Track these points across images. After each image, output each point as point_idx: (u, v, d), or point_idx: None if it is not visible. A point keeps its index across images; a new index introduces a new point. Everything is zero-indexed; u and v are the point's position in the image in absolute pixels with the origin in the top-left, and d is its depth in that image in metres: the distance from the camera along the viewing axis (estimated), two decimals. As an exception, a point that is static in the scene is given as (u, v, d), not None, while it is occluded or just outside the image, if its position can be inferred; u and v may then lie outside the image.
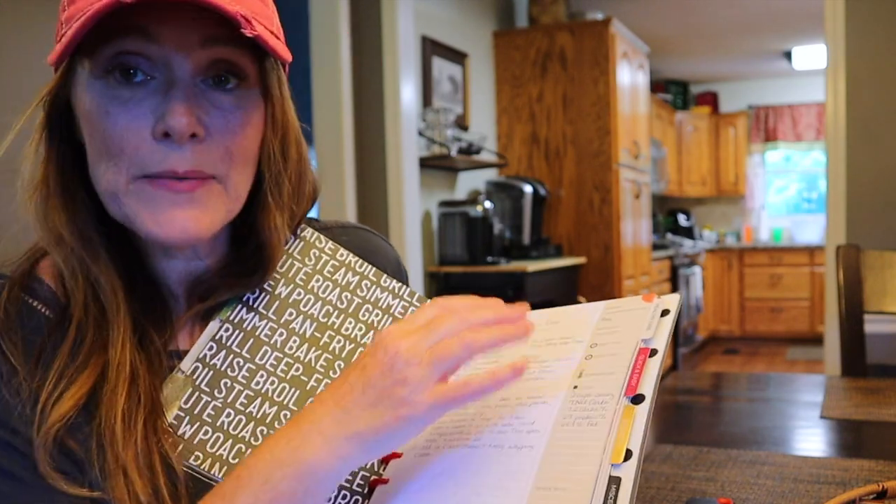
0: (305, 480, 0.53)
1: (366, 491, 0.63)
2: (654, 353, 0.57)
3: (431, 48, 3.73)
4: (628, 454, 0.51)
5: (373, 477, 0.64)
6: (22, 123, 0.63)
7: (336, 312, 0.72)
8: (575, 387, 0.58)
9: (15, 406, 0.59)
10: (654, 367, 0.56)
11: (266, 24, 0.62)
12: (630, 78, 4.56)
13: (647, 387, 0.55)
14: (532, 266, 3.59)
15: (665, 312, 0.59)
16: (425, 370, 0.52)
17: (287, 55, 0.65)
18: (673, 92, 7.30)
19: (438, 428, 0.63)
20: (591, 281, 4.26)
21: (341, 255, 0.76)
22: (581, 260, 4.26)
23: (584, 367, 0.60)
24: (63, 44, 0.57)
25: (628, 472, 0.50)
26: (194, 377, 0.64)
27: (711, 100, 7.59)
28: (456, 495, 0.55)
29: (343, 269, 0.75)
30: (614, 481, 0.50)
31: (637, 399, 0.54)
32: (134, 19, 0.58)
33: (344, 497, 0.63)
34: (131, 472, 0.57)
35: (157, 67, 0.60)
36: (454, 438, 0.60)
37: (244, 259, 0.70)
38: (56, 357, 0.61)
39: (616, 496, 0.49)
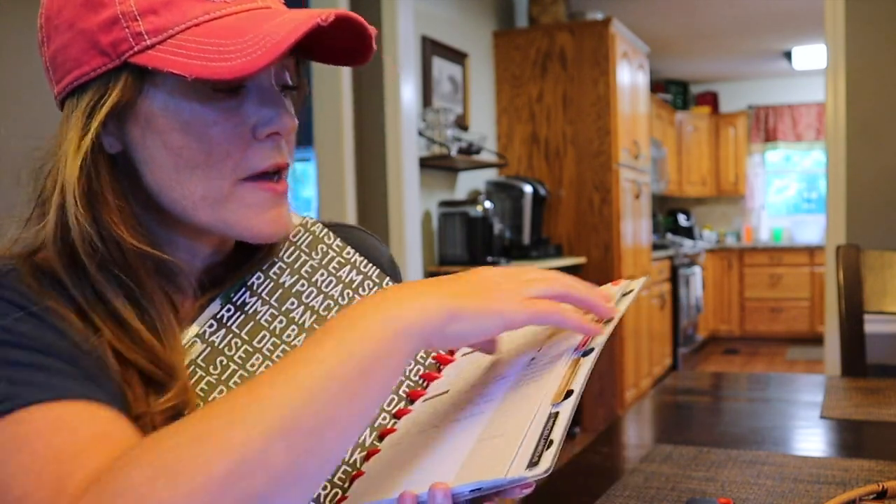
0: (389, 343, 0.51)
1: (346, 485, 0.64)
2: (608, 320, 0.59)
3: (431, 48, 3.73)
4: (568, 394, 0.52)
5: (353, 472, 0.65)
6: (88, 141, 0.62)
7: (336, 308, 0.73)
8: (533, 359, 0.61)
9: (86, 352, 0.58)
10: (607, 327, 0.58)
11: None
12: (630, 78, 4.56)
13: (598, 342, 0.57)
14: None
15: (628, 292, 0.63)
16: (518, 286, 0.56)
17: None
18: (673, 92, 7.30)
19: (414, 419, 0.65)
20: (592, 281, 4.19)
21: (347, 253, 0.77)
22: (581, 260, 4.26)
23: (545, 342, 0.62)
24: (254, 63, 0.56)
25: (567, 408, 0.51)
26: (191, 351, 0.66)
27: (711, 100, 7.59)
28: (410, 473, 0.56)
29: (348, 267, 0.76)
30: (552, 416, 0.51)
31: (587, 352, 0.56)
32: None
33: (325, 488, 0.64)
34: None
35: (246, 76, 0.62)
36: (426, 427, 0.62)
37: (249, 247, 0.72)
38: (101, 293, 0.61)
39: (552, 427, 0.50)
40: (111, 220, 0.62)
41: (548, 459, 0.48)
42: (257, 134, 0.63)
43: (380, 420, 0.67)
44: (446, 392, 0.66)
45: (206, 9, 0.60)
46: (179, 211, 0.64)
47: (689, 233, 7.16)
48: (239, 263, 0.72)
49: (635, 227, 4.63)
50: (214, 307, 0.69)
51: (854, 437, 1.17)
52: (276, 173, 0.65)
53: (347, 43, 0.65)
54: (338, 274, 0.75)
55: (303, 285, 0.73)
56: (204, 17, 0.60)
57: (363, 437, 0.66)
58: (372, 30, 0.63)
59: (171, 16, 0.59)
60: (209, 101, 0.61)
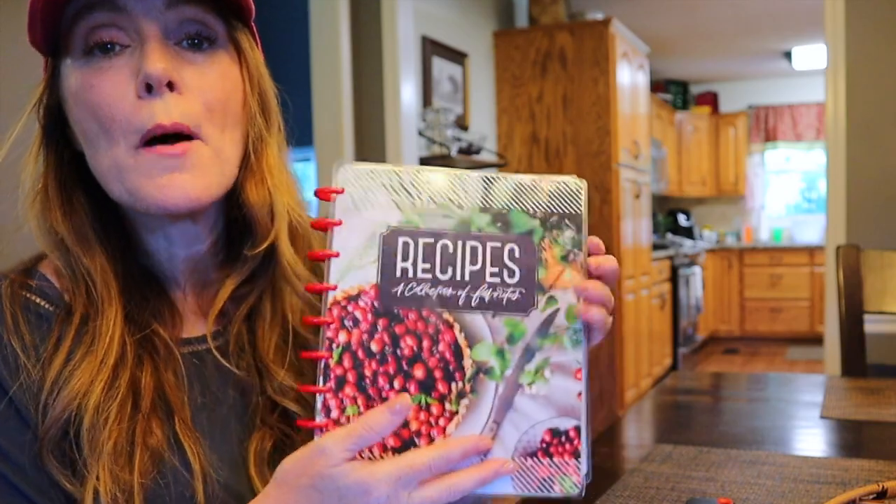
0: None
1: None
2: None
3: (431, 48, 3.73)
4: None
5: None
6: (17, 132, 0.64)
7: None
8: None
9: (29, 406, 0.60)
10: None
11: None
12: (630, 78, 4.56)
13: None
14: (532, 266, 3.59)
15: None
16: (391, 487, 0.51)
17: (251, 8, 0.67)
18: (673, 92, 7.30)
19: None
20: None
21: None
22: (581, 260, 4.25)
23: None
24: (29, 15, 0.59)
25: None
26: None
27: (711, 100, 7.59)
28: None
29: None
30: None
31: None
32: None
33: None
34: (101, 471, 0.58)
35: (130, 35, 0.62)
36: None
37: (237, 239, 0.71)
38: (56, 356, 0.62)
39: None
40: (52, 218, 0.64)
41: None
42: (139, 92, 0.61)
43: None
44: None
45: None
46: (108, 192, 0.64)
47: (689, 233, 7.16)
48: (230, 255, 0.71)
49: (635, 227, 4.63)
50: None
51: (854, 437, 1.17)
52: (174, 137, 0.61)
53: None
54: None
55: None
56: None
57: None
58: None
59: None
60: (89, 67, 0.61)
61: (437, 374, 0.56)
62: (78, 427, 0.59)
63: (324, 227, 0.56)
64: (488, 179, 0.59)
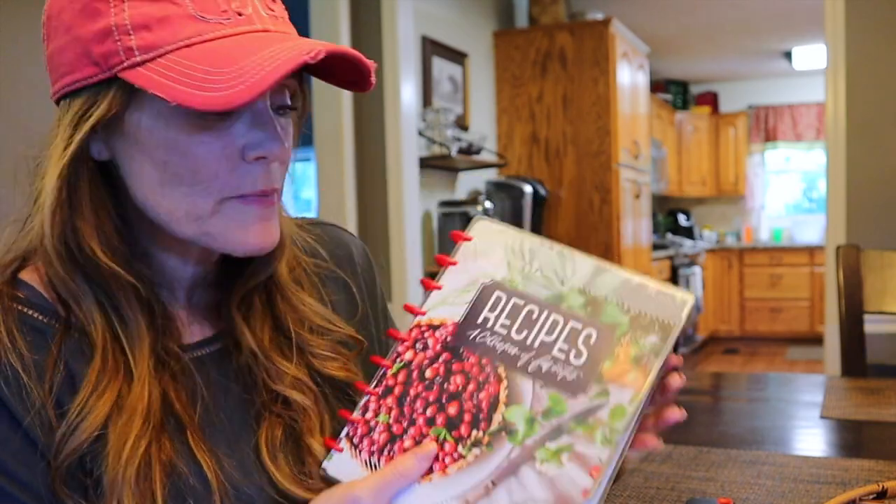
0: None
1: None
2: None
3: (431, 48, 3.73)
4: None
5: None
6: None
7: None
8: None
9: (37, 430, 0.59)
10: None
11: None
12: (630, 78, 4.56)
13: None
14: (532, 266, 3.58)
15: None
16: None
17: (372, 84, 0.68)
18: (673, 92, 7.29)
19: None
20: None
21: None
22: (581, 260, 4.25)
23: None
24: (234, 98, 0.56)
25: None
26: None
27: (711, 100, 7.59)
28: None
29: None
30: None
31: None
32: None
33: None
34: (126, 498, 0.58)
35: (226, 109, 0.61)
36: None
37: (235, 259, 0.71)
38: (65, 369, 0.61)
39: None
40: (83, 231, 0.62)
41: None
42: (246, 156, 0.62)
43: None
44: None
45: (200, 29, 0.59)
46: (164, 224, 0.64)
47: (689, 233, 7.15)
48: (228, 269, 0.72)
49: (635, 227, 4.63)
50: None
51: (854, 437, 1.17)
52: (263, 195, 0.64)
53: (346, 74, 0.65)
54: None
55: None
56: (196, 39, 0.58)
57: None
58: (370, 64, 0.63)
59: (163, 33, 0.58)
60: (197, 119, 0.60)
61: (466, 417, 0.58)
62: (95, 453, 0.59)
63: (443, 262, 0.65)
64: (599, 269, 0.61)
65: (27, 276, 0.66)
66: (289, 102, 0.65)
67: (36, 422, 0.59)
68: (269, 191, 0.64)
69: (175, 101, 0.56)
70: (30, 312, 0.63)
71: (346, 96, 3.09)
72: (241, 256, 0.65)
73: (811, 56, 6.30)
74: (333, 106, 3.09)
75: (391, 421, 0.60)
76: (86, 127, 0.60)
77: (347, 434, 0.62)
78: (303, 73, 0.66)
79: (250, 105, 0.61)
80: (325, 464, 0.62)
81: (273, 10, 0.64)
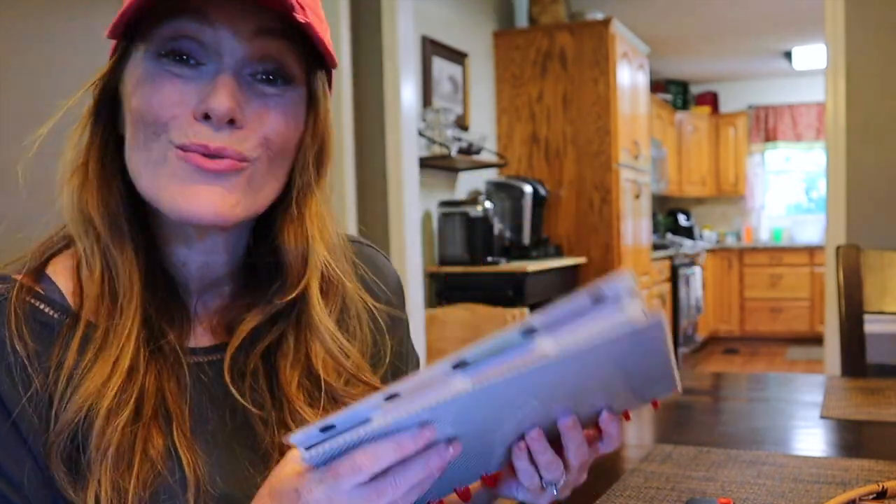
0: None
1: None
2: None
3: (431, 48, 3.73)
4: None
5: None
6: (70, 104, 0.65)
7: None
8: None
9: (32, 418, 0.59)
10: None
11: (318, 28, 0.64)
12: (630, 78, 4.56)
13: None
14: (532, 266, 3.59)
15: None
16: None
17: (334, 58, 0.67)
18: (673, 92, 7.30)
19: None
20: (592, 281, 4.27)
21: None
22: (581, 260, 4.26)
23: None
24: (119, 13, 0.59)
25: None
26: None
27: (711, 100, 7.59)
28: None
29: None
30: None
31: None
32: (191, 2, 0.60)
33: None
34: (103, 476, 0.57)
35: (209, 54, 0.62)
36: None
37: (258, 266, 0.70)
38: (65, 361, 0.61)
39: None
40: (89, 200, 0.64)
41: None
42: (195, 112, 0.61)
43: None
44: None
45: None
46: (137, 185, 0.64)
47: (689, 233, 7.16)
48: (248, 277, 0.70)
49: (635, 227, 4.63)
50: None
51: (854, 437, 1.17)
52: (215, 154, 0.61)
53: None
54: None
55: None
56: None
57: None
58: None
59: None
60: (160, 67, 0.61)
61: None
62: (87, 430, 0.59)
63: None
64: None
65: (60, 262, 0.67)
66: (262, 69, 0.63)
67: (34, 412, 0.59)
68: (219, 150, 0.61)
69: (106, 35, 0.60)
70: (42, 307, 0.63)
71: (347, 96, 3.09)
72: (179, 220, 0.63)
73: (811, 56, 6.30)
74: (333, 106, 3.09)
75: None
76: (94, 87, 0.64)
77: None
78: (312, 56, 0.66)
79: (219, 63, 0.62)
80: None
81: None
